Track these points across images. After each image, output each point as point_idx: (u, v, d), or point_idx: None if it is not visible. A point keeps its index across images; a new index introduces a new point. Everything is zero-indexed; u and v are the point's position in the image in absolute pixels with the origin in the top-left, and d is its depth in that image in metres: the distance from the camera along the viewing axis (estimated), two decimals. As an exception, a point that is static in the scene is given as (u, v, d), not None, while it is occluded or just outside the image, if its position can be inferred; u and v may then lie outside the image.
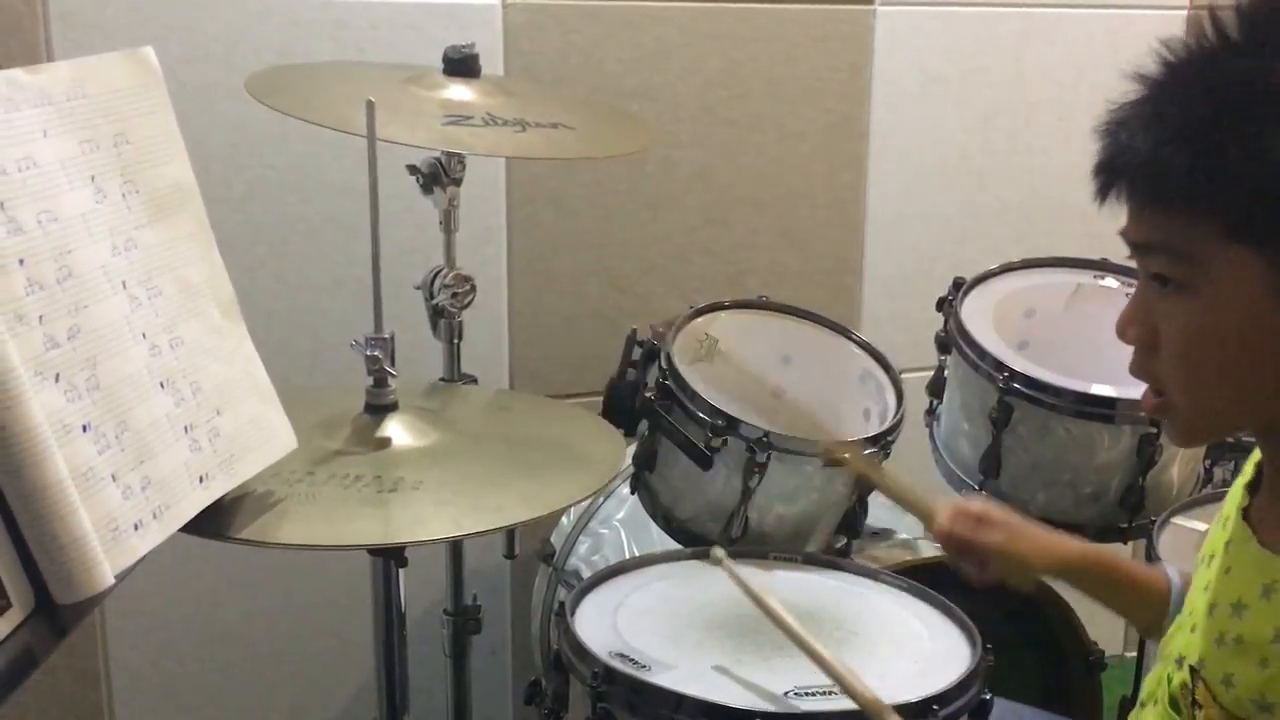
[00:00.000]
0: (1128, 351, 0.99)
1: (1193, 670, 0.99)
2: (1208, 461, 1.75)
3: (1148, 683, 1.09)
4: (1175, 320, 0.92)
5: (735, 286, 2.15)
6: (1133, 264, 0.97)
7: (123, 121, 1.10)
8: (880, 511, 1.82)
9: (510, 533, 1.83)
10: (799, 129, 2.24)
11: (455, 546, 1.79)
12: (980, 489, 1.75)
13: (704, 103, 2.17)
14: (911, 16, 2.26)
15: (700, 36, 2.15)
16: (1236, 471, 1.89)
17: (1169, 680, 1.03)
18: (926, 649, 1.40)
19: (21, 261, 0.96)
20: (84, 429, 0.98)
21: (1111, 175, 0.93)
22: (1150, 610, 1.26)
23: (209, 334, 1.16)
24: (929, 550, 1.76)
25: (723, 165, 2.20)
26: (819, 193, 2.28)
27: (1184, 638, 1.03)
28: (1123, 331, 0.97)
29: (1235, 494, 1.05)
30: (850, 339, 1.85)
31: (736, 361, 1.76)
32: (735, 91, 2.19)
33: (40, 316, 0.96)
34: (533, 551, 1.96)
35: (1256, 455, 1.04)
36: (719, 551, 1.45)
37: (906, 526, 1.86)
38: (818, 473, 1.65)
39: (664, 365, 1.66)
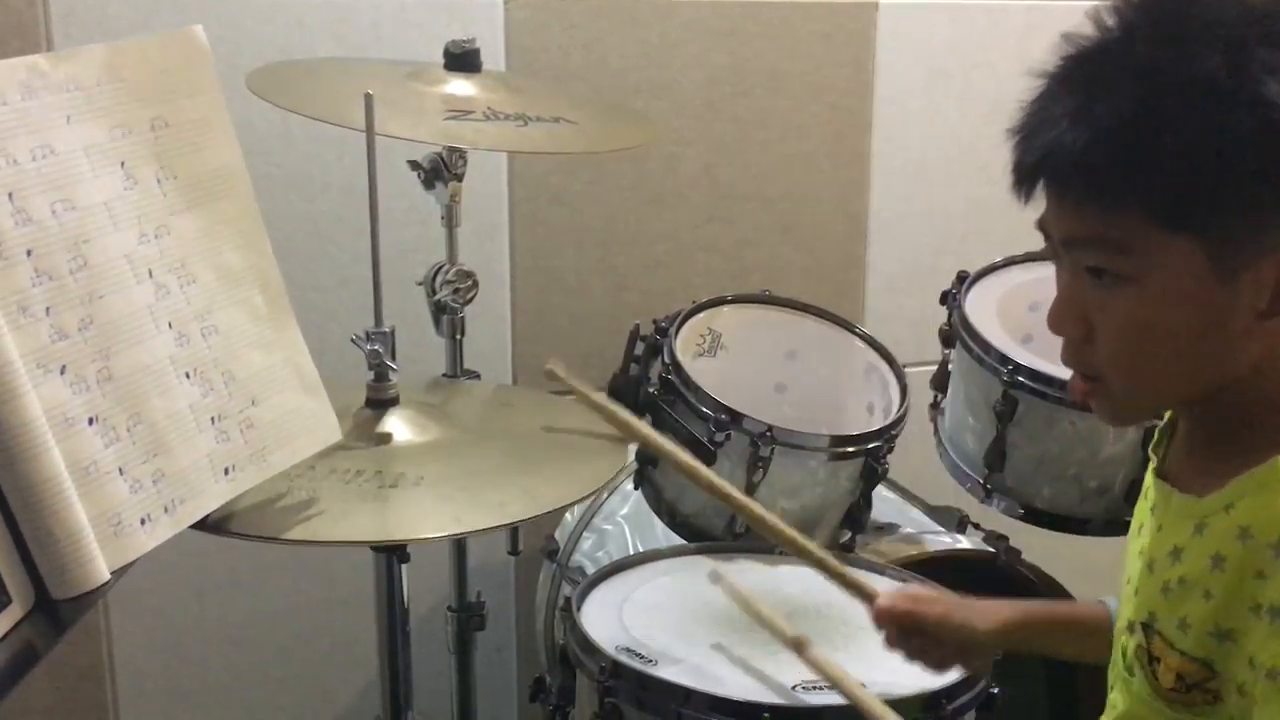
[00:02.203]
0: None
1: (1145, 627, 1.00)
2: (1213, 455, 1.74)
3: (1109, 674, 1.10)
4: (1114, 311, 0.93)
5: (739, 282, 2.14)
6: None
7: (162, 104, 1.08)
8: (884, 506, 1.82)
9: (514, 529, 1.82)
10: (803, 124, 2.23)
11: (459, 543, 1.78)
12: (985, 483, 1.74)
13: (707, 98, 2.17)
14: (915, 10, 2.26)
15: (704, 32, 2.14)
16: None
17: (1124, 653, 1.04)
18: (932, 643, 1.40)
19: (29, 252, 0.95)
20: (90, 422, 0.97)
21: (1038, 174, 0.93)
22: (1103, 642, 1.24)
23: (250, 321, 1.14)
24: (934, 544, 1.76)
25: (726, 161, 2.20)
26: (823, 188, 2.28)
27: (1127, 606, 1.05)
28: (1058, 327, 0.97)
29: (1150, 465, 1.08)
30: (854, 333, 1.84)
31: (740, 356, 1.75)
32: (739, 87, 2.18)
33: (47, 308, 0.96)
34: (537, 548, 1.96)
35: (1163, 420, 1.07)
36: (716, 569, 1.45)
37: (911, 521, 1.85)
38: (822, 467, 1.65)
39: (667, 360, 1.66)
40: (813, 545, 1.34)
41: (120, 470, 0.99)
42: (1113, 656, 1.09)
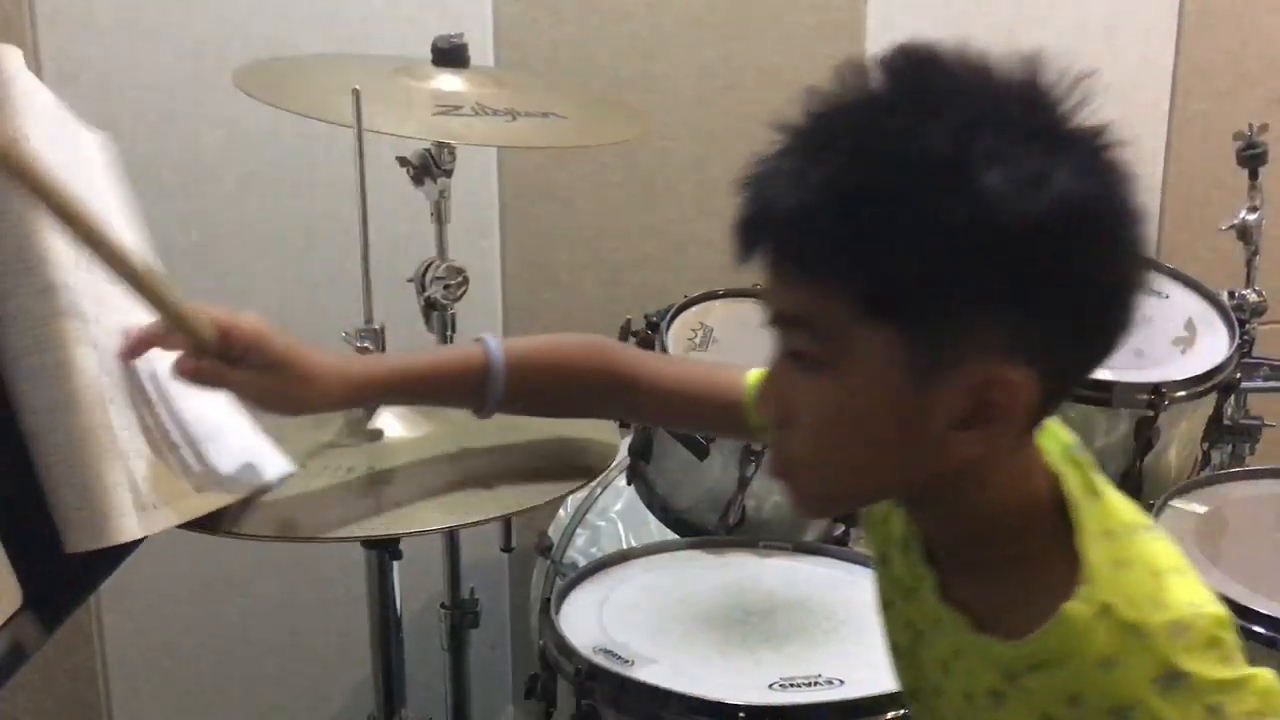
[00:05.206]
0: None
1: None
2: (1205, 445, 1.74)
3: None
4: (809, 398, 0.85)
5: (730, 276, 2.13)
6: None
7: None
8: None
9: (507, 526, 1.82)
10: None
11: (451, 539, 1.78)
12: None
13: (698, 92, 2.17)
14: (905, 4, 2.25)
15: (693, 25, 2.14)
16: (1234, 454, 1.90)
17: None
18: (923, 636, 1.39)
19: None
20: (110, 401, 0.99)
21: (754, 234, 0.85)
22: (472, 395, 1.20)
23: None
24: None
25: (717, 154, 2.19)
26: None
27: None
28: (759, 406, 0.90)
29: (896, 534, 0.99)
30: (846, 327, 1.84)
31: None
32: (729, 81, 2.18)
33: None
34: (530, 545, 1.95)
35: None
36: None
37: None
38: (814, 461, 1.64)
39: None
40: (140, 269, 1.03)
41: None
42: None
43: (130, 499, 0.96)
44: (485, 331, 1.20)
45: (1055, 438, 0.91)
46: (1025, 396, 0.81)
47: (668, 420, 1.23)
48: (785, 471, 0.90)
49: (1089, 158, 0.80)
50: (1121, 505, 0.89)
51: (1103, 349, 0.85)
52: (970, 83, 0.81)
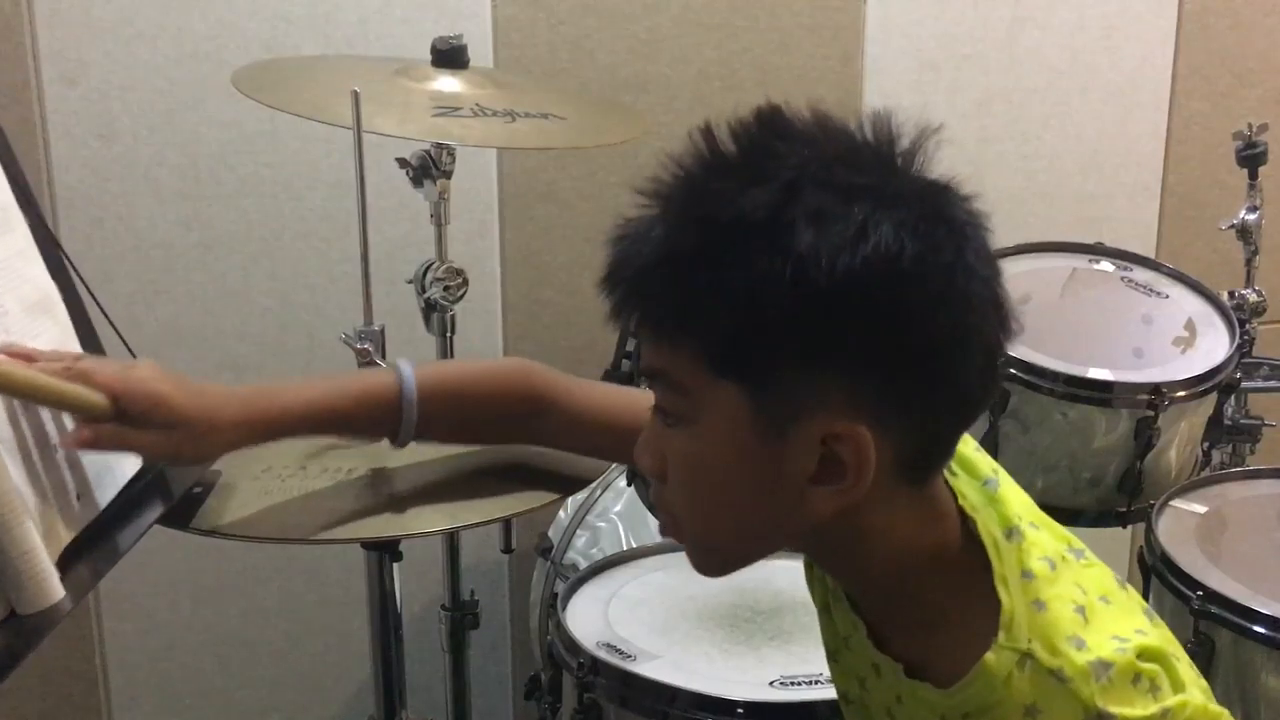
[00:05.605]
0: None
1: None
2: (1206, 444, 1.74)
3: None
4: (675, 452, 0.86)
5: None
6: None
7: None
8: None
9: (507, 527, 1.82)
10: (792, 118, 2.23)
11: (451, 541, 1.78)
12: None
13: (697, 93, 2.17)
14: (904, 4, 2.25)
15: (692, 26, 2.14)
16: (1234, 454, 1.90)
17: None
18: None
19: None
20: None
21: (611, 292, 0.86)
22: (385, 426, 1.15)
23: (60, 342, 1.10)
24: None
25: (716, 155, 2.19)
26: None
27: None
28: (638, 462, 0.91)
29: (831, 592, 0.99)
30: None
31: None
32: (728, 81, 2.18)
33: None
34: (530, 546, 1.96)
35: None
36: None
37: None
38: (814, 461, 1.64)
39: (658, 356, 1.65)
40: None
41: None
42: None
43: (47, 559, 0.92)
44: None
45: (974, 473, 0.91)
46: (873, 451, 0.80)
47: (589, 449, 1.22)
48: (673, 526, 0.90)
49: (918, 213, 0.80)
50: (1043, 538, 0.88)
51: (961, 400, 0.84)
52: (805, 144, 0.81)
